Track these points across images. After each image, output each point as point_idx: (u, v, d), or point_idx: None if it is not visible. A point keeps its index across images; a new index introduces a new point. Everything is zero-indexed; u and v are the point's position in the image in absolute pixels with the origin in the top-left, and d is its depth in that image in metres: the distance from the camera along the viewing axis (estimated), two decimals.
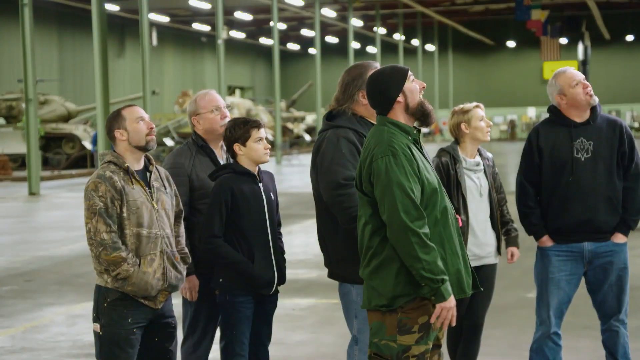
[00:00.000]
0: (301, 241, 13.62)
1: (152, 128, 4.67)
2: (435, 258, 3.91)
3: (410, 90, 4.12)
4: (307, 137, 44.99)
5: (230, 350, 4.93)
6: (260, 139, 4.97)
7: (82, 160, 33.17)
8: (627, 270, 5.35)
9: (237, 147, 4.95)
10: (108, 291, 4.55)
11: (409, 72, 4.16)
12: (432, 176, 4.07)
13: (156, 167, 4.75)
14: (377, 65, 4.80)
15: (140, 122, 4.63)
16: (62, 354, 7.22)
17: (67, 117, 34.28)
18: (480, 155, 5.64)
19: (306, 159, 35.96)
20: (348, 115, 4.75)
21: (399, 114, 4.12)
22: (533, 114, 60.26)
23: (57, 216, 18.47)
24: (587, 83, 5.27)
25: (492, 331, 7.42)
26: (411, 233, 3.90)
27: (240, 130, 4.94)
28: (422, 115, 4.15)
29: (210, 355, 5.35)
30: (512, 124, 57.97)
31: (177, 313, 4.98)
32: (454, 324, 4.02)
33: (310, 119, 47.99)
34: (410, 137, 4.10)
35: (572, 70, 5.32)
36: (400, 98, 4.11)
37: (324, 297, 9.28)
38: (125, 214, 4.52)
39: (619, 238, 5.27)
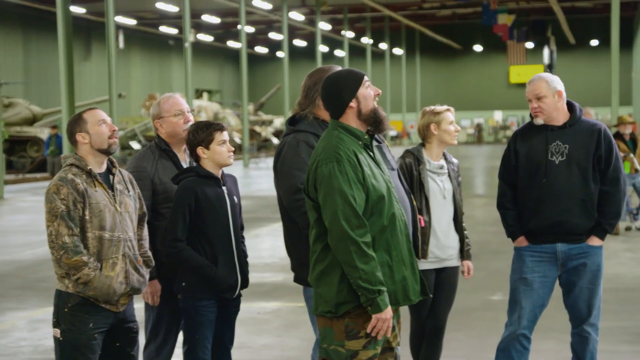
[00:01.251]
0: (268, 245, 13.59)
1: (114, 131, 4.64)
2: (373, 268, 3.90)
3: (364, 96, 4.10)
4: (275, 141, 44.94)
5: (193, 354, 4.90)
6: (224, 142, 4.96)
7: (47, 164, 32.87)
8: (601, 273, 5.35)
9: (200, 150, 4.94)
10: (69, 296, 4.50)
11: (365, 78, 4.14)
12: (380, 183, 4.04)
13: (119, 170, 4.72)
14: (338, 69, 4.80)
15: (102, 125, 4.60)
16: (23, 359, 7.14)
17: (32, 121, 33.93)
18: (446, 159, 5.68)
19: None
20: (310, 120, 4.76)
21: (351, 119, 4.09)
22: (500, 117, 60.65)
23: (20, 220, 18.28)
24: (535, 105, 5.31)
25: (455, 334, 7.44)
26: (350, 241, 3.89)
27: (203, 133, 4.92)
28: (374, 122, 4.13)
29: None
30: (479, 128, 58.29)
31: (139, 317, 4.95)
32: (389, 334, 4.03)
33: (278, 122, 47.94)
34: (360, 142, 4.08)
35: (531, 83, 5.38)
36: (353, 103, 4.09)
37: (289, 300, 9.26)
38: (87, 217, 4.48)
39: (594, 241, 5.30)
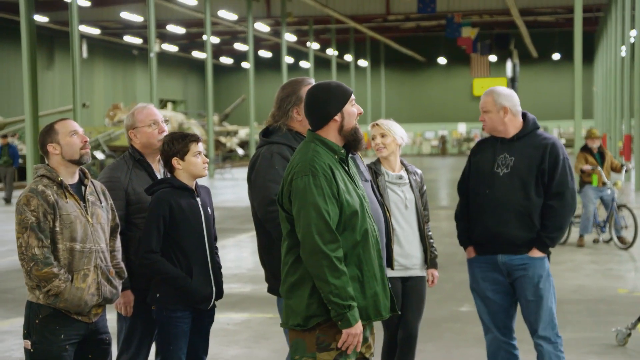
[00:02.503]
0: (234, 255, 13.56)
1: (85, 141, 4.62)
2: (344, 283, 3.91)
3: (348, 113, 4.12)
4: (240, 151, 44.83)
5: None
6: (199, 153, 4.96)
7: (20, 172, 32.49)
8: (546, 285, 5.34)
9: (175, 161, 4.93)
10: (40, 307, 4.48)
11: (352, 95, 4.16)
12: (354, 198, 4.05)
13: (91, 181, 4.70)
14: (312, 81, 4.83)
15: (73, 135, 4.58)
16: None
17: None
18: (407, 170, 5.78)
19: (239, 173, 35.79)
20: (283, 132, 4.78)
21: (331, 133, 4.10)
22: (463, 129, 61.09)
23: None
24: (481, 117, 5.44)
25: (425, 345, 7.49)
26: (322, 255, 3.90)
27: (178, 144, 4.92)
28: (353, 140, 4.14)
29: None
30: (442, 140, 58.66)
31: (112, 328, 4.92)
32: (358, 349, 4.04)
33: (243, 133, 47.84)
34: (336, 156, 4.09)
35: (482, 96, 5.49)
36: (337, 117, 4.10)
37: (258, 311, 9.25)
38: (58, 229, 4.45)
39: (534, 253, 5.33)
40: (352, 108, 4.14)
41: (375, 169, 5.70)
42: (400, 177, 5.72)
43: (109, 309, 4.75)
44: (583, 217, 13.67)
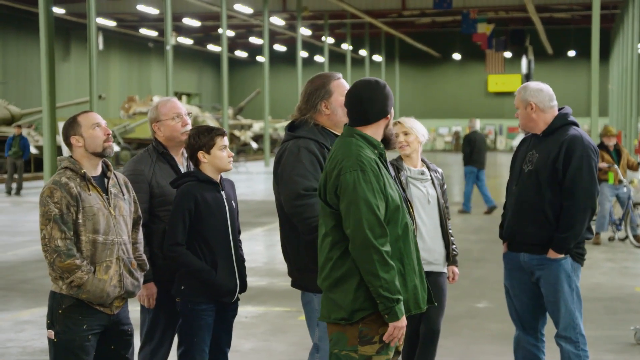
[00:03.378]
0: (249, 249, 13.58)
1: (108, 134, 4.64)
2: (393, 277, 3.97)
3: (391, 113, 4.26)
4: (254, 145, 44.89)
5: (191, 358, 4.93)
6: (225, 147, 4.99)
7: (26, 164, 32.65)
8: (564, 286, 5.28)
9: (201, 155, 4.96)
10: (63, 298, 4.51)
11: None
12: (395, 193, 4.12)
13: (114, 173, 4.72)
14: (340, 76, 4.85)
15: (96, 128, 4.61)
16: None
17: (10, 121, 33.65)
18: (428, 167, 5.83)
19: (253, 167, 35.83)
20: (310, 126, 4.77)
21: (378, 129, 4.18)
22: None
23: (0, 221, 18.16)
24: (517, 115, 5.44)
25: (444, 341, 7.48)
26: (374, 250, 3.95)
27: (205, 138, 4.95)
28: (390, 139, 4.26)
29: None
30: (456, 135, 58.53)
31: (135, 320, 4.95)
32: (401, 342, 4.09)
33: (258, 126, 47.89)
34: (376, 151, 4.15)
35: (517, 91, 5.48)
36: (389, 116, 4.22)
37: (274, 305, 9.29)
38: (80, 221, 4.49)
39: (550, 254, 5.29)
40: (392, 109, 4.30)
41: (397, 165, 5.73)
42: (422, 173, 5.76)
43: (132, 300, 4.78)
44: (599, 214, 13.65)
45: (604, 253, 13.00)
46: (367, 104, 4.14)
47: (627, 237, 13.69)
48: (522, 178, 5.35)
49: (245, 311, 8.89)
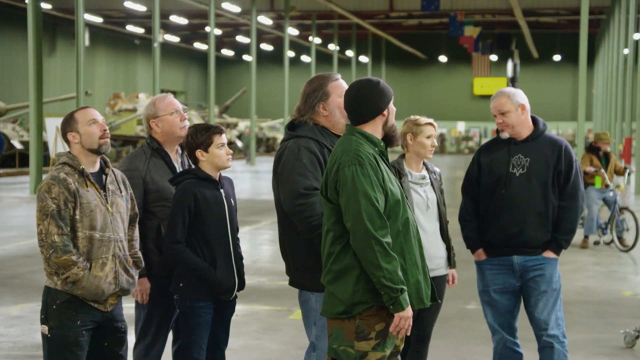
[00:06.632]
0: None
1: (104, 130, 4.62)
2: (395, 267, 4.00)
3: (391, 110, 4.30)
4: (239, 144, 44.84)
5: (188, 355, 4.93)
6: (223, 145, 4.99)
7: (11, 159, 32.51)
8: (557, 284, 5.40)
9: (199, 153, 4.97)
10: (57, 293, 4.51)
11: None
12: (395, 188, 4.16)
13: (112, 170, 4.72)
14: (339, 77, 4.86)
15: (92, 124, 4.59)
16: (2, 355, 7.08)
17: None
18: (427, 169, 5.69)
19: (238, 166, 35.79)
20: (310, 126, 4.78)
21: (375, 127, 4.23)
22: (462, 128, 61.13)
23: None
24: (500, 120, 5.41)
25: (434, 341, 7.47)
26: (375, 241, 3.98)
27: (202, 136, 4.95)
28: (392, 136, 4.30)
29: (164, 358, 5.34)
30: (441, 138, 58.71)
31: (130, 317, 4.94)
32: (408, 333, 4.12)
33: (243, 125, 47.84)
34: (377, 149, 4.19)
35: (494, 99, 5.47)
36: (385, 112, 4.25)
37: (265, 303, 9.30)
38: (78, 217, 4.48)
39: (548, 254, 5.38)
40: (392, 106, 4.30)
41: (398, 169, 5.56)
42: (423, 178, 5.61)
43: (127, 297, 4.78)
44: (587, 217, 13.75)
45: (591, 257, 13.09)
46: (360, 103, 4.20)
47: (612, 241, 13.79)
48: (514, 182, 5.36)
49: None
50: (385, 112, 4.23)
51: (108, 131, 4.69)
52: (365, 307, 4.07)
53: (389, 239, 4.02)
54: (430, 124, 5.61)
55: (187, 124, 5.29)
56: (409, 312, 4.05)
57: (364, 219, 3.99)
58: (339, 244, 4.11)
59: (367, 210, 3.99)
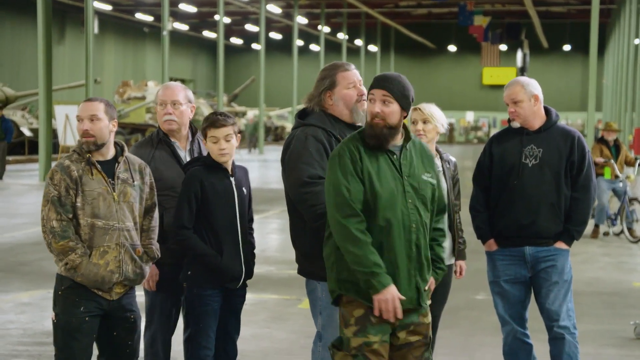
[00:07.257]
0: None
1: (85, 130, 4.54)
2: (365, 252, 4.03)
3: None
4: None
5: (196, 342, 4.92)
6: (217, 139, 4.89)
7: (20, 147, 32.58)
8: (568, 275, 5.39)
9: (204, 141, 4.99)
10: (63, 279, 4.54)
11: None
12: (383, 184, 4.12)
13: (128, 158, 4.70)
14: (350, 67, 4.80)
15: (80, 122, 4.59)
16: (12, 342, 7.10)
17: (4, 102, 33.55)
18: (441, 158, 5.58)
19: (247, 154, 35.80)
20: (319, 114, 4.77)
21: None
22: (471, 118, 61.02)
23: None
24: (512, 109, 5.37)
25: (442, 332, 7.48)
26: (341, 227, 4.06)
27: (204, 125, 4.94)
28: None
29: (174, 347, 5.35)
30: (450, 127, 58.60)
31: (142, 305, 4.93)
32: (399, 316, 4.08)
33: (252, 114, 47.83)
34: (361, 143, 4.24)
35: (508, 87, 5.44)
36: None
37: (273, 292, 9.30)
38: (79, 204, 4.49)
39: (560, 245, 5.36)
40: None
41: None
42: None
43: (138, 286, 4.77)
44: (598, 207, 13.70)
45: (601, 248, 13.06)
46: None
47: (622, 231, 13.75)
48: (526, 172, 5.34)
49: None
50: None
51: (92, 131, 4.56)
52: (337, 294, 4.16)
53: (360, 226, 4.05)
54: (416, 109, 5.45)
55: (173, 117, 5.19)
56: (386, 294, 4.02)
57: (332, 207, 4.10)
58: (328, 231, 4.22)
59: (335, 199, 4.10)
